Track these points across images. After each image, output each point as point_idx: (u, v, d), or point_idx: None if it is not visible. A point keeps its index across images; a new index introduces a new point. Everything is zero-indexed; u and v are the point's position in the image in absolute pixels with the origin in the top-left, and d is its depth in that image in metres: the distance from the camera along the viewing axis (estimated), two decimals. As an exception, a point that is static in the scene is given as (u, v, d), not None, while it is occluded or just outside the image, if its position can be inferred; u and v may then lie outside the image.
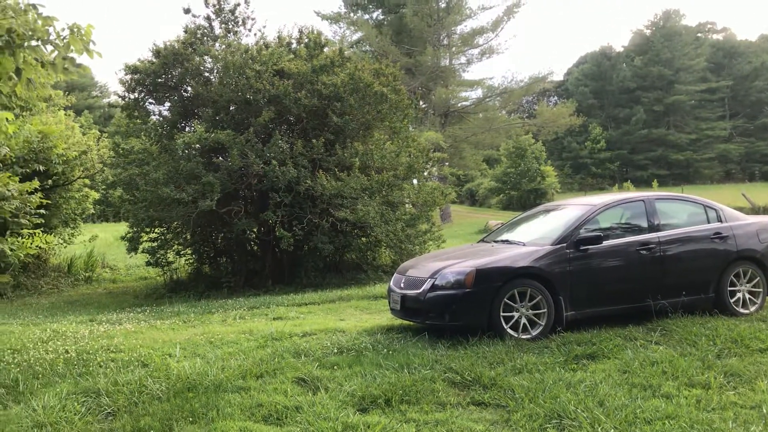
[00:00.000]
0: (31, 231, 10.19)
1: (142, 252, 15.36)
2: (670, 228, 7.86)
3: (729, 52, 79.74)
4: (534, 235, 7.91)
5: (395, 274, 8.11)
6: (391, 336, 7.38)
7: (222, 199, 13.93)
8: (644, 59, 78.20)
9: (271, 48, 15.65)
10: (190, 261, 16.31)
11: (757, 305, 7.93)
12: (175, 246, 15.63)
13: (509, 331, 6.88)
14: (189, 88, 15.77)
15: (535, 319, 7.02)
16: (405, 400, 5.26)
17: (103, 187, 20.58)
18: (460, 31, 42.93)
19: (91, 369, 6.37)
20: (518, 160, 50.42)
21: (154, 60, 15.44)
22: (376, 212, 13.78)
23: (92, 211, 20.59)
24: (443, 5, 41.37)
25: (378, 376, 5.78)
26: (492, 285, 6.91)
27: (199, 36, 15.80)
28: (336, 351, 6.75)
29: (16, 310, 13.07)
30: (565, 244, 7.26)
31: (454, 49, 42.84)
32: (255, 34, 21.26)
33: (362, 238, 15.32)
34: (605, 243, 7.42)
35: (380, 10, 45.96)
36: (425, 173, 17.97)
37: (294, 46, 16.42)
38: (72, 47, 5.64)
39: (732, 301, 7.84)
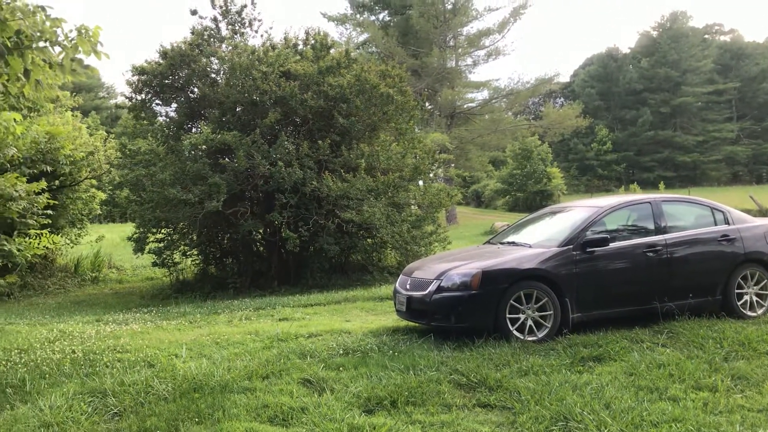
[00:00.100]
0: (38, 231, 10.22)
1: (149, 252, 15.39)
2: (677, 230, 7.83)
3: (736, 54, 79.44)
4: (540, 237, 7.89)
5: (401, 276, 8.10)
6: (396, 337, 7.37)
7: (228, 200, 13.95)
8: (651, 61, 78.02)
9: (278, 49, 15.69)
10: (197, 262, 16.34)
11: (764, 308, 7.89)
12: (182, 247, 15.67)
13: (515, 333, 6.86)
14: (196, 89, 15.82)
15: (541, 321, 7.00)
16: (411, 401, 5.25)
17: (110, 187, 20.66)
18: (467, 32, 42.95)
19: (97, 369, 6.39)
20: (524, 161, 50.33)
21: (161, 61, 15.49)
22: (381, 213, 13.78)
23: (99, 211, 20.65)
24: (449, 7, 41.35)
25: (384, 378, 5.78)
26: (498, 287, 6.89)
27: (205, 37, 15.85)
28: (342, 352, 6.74)
29: (23, 310, 13.12)
30: (571, 246, 7.24)
31: (460, 50, 42.81)
32: (261, 36, 21.28)
33: (368, 240, 15.32)
34: (612, 245, 7.40)
35: (386, 12, 45.98)
36: (431, 175, 17.99)
37: (300, 47, 16.45)
38: (80, 48, 5.67)
39: (739, 303, 7.80)
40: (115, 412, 5.26)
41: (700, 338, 6.69)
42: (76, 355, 7.05)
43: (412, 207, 15.98)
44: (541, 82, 41.80)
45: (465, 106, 43.64)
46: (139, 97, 16.04)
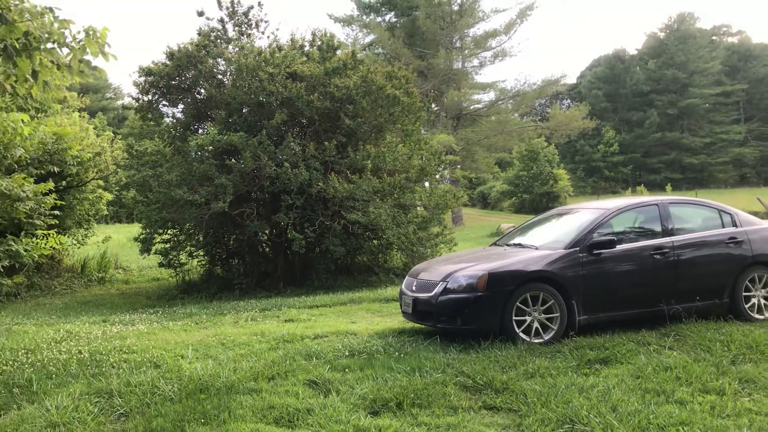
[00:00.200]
0: (45, 232, 10.26)
1: (155, 253, 15.42)
2: (684, 232, 7.82)
3: (744, 55, 79.13)
4: (547, 239, 7.88)
5: (407, 277, 8.10)
6: (402, 339, 7.37)
7: (234, 201, 13.98)
8: (658, 62, 77.81)
9: (284, 51, 15.71)
10: (203, 262, 16.36)
11: (772, 311, 7.86)
12: (188, 247, 15.69)
13: (521, 335, 6.85)
14: (202, 91, 15.86)
15: (548, 323, 6.99)
16: (416, 403, 5.25)
17: (117, 188, 20.70)
18: (473, 33, 42.92)
19: (103, 370, 6.41)
20: (531, 163, 50.25)
21: (168, 62, 15.54)
22: (387, 215, 13.78)
23: (105, 212, 20.70)
24: (456, 8, 41.32)
25: (389, 380, 5.78)
26: (504, 289, 6.88)
27: (212, 38, 15.88)
28: (347, 354, 6.74)
29: (30, 310, 13.16)
30: (578, 248, 7.23)
31: (466, 51, 42.78)
32: (268, 37, 21.26)
33: (374, 241, 15.32)
34: (619, 247, 7.38)
35: (393, 13, 45.99)
36: (437, 176, 17.99)
37: (307, 48, 16.47)
38: (87, 50, 5.69)
39: (747, 306, 7.77)
40: (122, 413, 5.27)
41: (707, 341, 6.66)
42: (82, 356, 7.07)
43: (418, 208, 15.97)
44: (548, 84, 41.73)
45: (471, 108, 43.60)
46: (146, 98, 16.09)
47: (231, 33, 16.29)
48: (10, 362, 6.85)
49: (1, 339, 8.36)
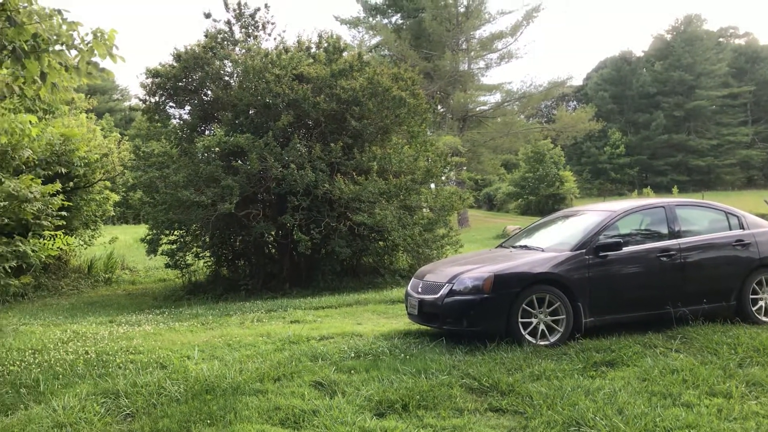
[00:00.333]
0: (52, 233, 10.30)
1: (162, 254, 15.46)
2: (690, 235, 7.79)
3: (751, 57, 78.83)
4: (553, 241, 7.87)
5: (413, 279, 8.10)
6: (408, 341, 7.37)
7: (241, 203, 14.01)
8: (665, 64, 77.56)
9: (291, 52, 15.75)
10: (209, 263, 16.40)
11: (780, 314, 7.82)
12: (194, 248, 15.72)
13: (527, 337, 6.84)
14: (209, 92, 15.90)
15: (554, 325, 6.98)
16: (422, 405, 5.25)
17: (124, 189, 20.79)
18: (479, 35, 42.91)
19: (110, 370, 6.43)
20: (537, 164, 50.13)
21: (175, 64, 15.59)
22: (393, 216, 13.78)
23: (112, 213, 20.75)
24: (462, 10, 41.32)
25: (395, 381, 5.78)
26: (510, 291, 6.88)
27: (219, 40, 15.92)
28: (353, 355, 6.75)
29: (37, 311, 13.21)
30: (584, 250, 7.22)
31: (472, 53, 42.76)
32: (275, 39, 21.42)
33: (379, 242, 15.32)
34: (625, 249, 7.36)
35: (399, 15, 46.03)
36: (443, 177, 17.99)
37: (313, 50, 16.50)
38: (96, 52, 5.71)
39: (754, 309, 7.75)
40: (128, 413, 5.29)
41: (714, 344, 6.64)
42: (89, 356, 7.10)
43: (424, 210, 15.96)
44: (554, 85, 41.67)
45: (477, 109, 43.57)
46: (152, 100, 16.14)
47: (238, 35, 16.34)
48: (18, 362, 6.88)
49: (8, 339, 8.40)
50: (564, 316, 6.96)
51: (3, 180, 9.43)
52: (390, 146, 15.44)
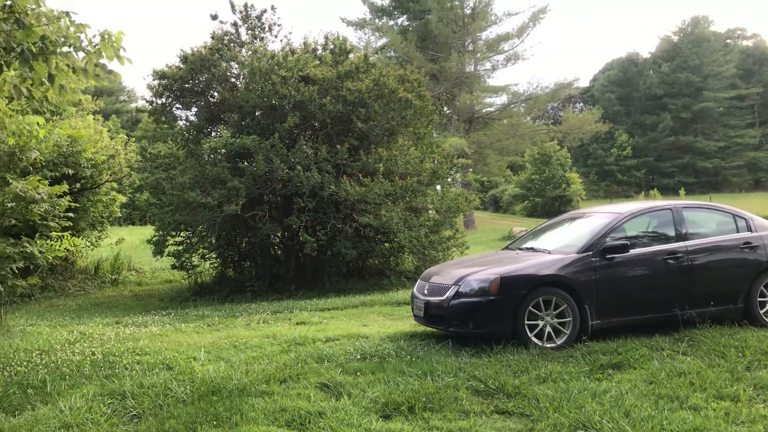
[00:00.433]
0: (59, 234, 10.31)
1: (168, 255, 15.50)
2: (698, 237, 7.76)
3: (759, 59, 78.47)
4: (559, 243, 7.85)
5: (419, 281, 8.10)
6: (414, 343, 7.36)
7: (247, 204, 14.03)
8: (672, 66, 77.29)
9: (297, 54, 15.77)
10: (215, 265, 16.43)
11: (788, 317, 7.78)
12: (200, 250, 15.76)
13: (534, 339, 6.83)
14: (215, 94, 15.94)
15: (560, 327, 6.96)
16: (428, 407, 5.24)
17: (130, 190, 20.85)
18: (485, 37, 42.87)
19: (116, 371, 6.44)
20: (543, 166, 50.06)
21: (182, 66, 15.63)
22: (399, 218, 13.78)
23: (119, 214, 20.82)
24: (468, 11, 41.31)
25: (401, 383, 5.77)
26: (517, 293, 6.86)
27: (225, 42, 15.96)
28: (359, 357, 6.74)
29: (43, 312, 13.26)
30: (591, 253, 7.20)
31: (479, 55, 42.74)
32: (281, 41, 21.44)
33: (385, 244, 15.33)
34: (632, 252, 7.34)
35: (405, 16, 46.05)
36: (449, 179, 17.97)
37: (319, 52, 16.52)
38: (103, 54, 5.73)
39: (762, 312, 7.70)
40: (134, 414, 5.30)
41: (721, 347, 6.61)
42: (95, 357, 7.11)
43: (430, 212, 15.96)
44: (561, 87, 41.63)
45: (483, 111, 43.56)
46: (159, 101, 16.19)
47: (244, 36, 16.37)
48: (25, 363, 6.90)
49: (15, 340, 8.42)
50: (570, 319, 6.94)
51: (10, 181, 9.45)
52: (396, 148, 15.45)
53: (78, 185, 16.62)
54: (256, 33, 16.47)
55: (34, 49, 5.39)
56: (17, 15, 5.27)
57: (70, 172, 15.43)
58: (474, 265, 7.74)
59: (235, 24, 16.29)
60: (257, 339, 7.96)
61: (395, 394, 5.44)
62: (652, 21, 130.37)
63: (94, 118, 18.65)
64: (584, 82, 77.91)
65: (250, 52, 15.97)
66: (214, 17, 16.36)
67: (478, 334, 6.99)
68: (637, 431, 4.61)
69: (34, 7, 5.41)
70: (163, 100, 16.18)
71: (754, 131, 75.39)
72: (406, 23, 45.80)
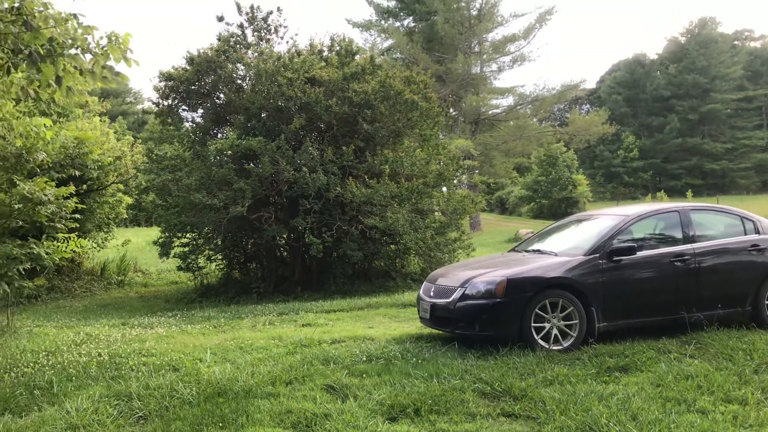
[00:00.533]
0: (66, 235, 10.34)
1: (174, 257, 15.52)
2: (705, 239, 7.73)
3: (767, 60, 78.21)
4: (566, 245, 7.82)
5: (425, 283, 8.08)
6: (420, 345, 7.35)
7: (253, 206, 14.04)
8: (679, 67, 77.10)
9: (303, 56, 15.78)
10: (221, 266, 16.44)
11: (796, 320, 7.73)
12: (206, 251, 15.77)
13: (540, 341, 6.81)
14: (221, 95, 15.96)
15: (567, 330, 6.94)
16: (434, 409, 5.23)
17: (136, 192, 20.84)
18: (492, 38, 42.80)
19: (123, 372, 6.45)
20: (549, 168, 49.97)
21: (188, 67, 15.66)
22: (405, 220, 13.77)
23: (125, 215, 20.86)
24: (474, 13, 41.26)
25: (407, 385, 5.76)
26: (523, 295, 6.85)
27: (232, 44, 15.98)
28: (365, 359, 6.74)
29: (50, 313, 13.31)
30: (597, 255, 7.18)
31: (485, 56, 42.69)
32: (287, 42, 21.42)
33: (391, 246, 15.31)
34: (639, 254, 7.32)
35: (411, 18, 46.03)
36: (455, 181, 17.92)
37: (325, 53, 16.52)
38: (111, 56, 5.75)
39: (770, 315, 7.66)
40: (140, 416, 5.31)
41: (729, 350, 6.58)
42: (102, 358, 7.13)
43: (436, 213, 15.93)
44: (567, 89, 41.53)
45: (490, 112, 43.50)
46: (165, 103, 16.22)
47: (250, 38, 16.40)
48: (31, 364, 6.92)
49: (22, 341, 8.46)
50: (577, 321, 6.92)
51: (18, 183, 9.50)
52: (402, 149, 15.44)
53: (84, 187, 16.67)
54: (262, 35, 16.49)
55: (41, 51, 5.41)
56: (25, 17, 5.29)
57: (77, 173, 15.46)
58: (480, 267, 7.73)
59: (241, 26, 16.33)
60: (263, 341, 7.97)
61: (401, 397, 5.43)
62: (659, 22, 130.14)
63: (100, 120, 18.71)
64: (591, 84, 77.88)
65: (256, 54, 15.99)
66: (221, 19, 16.40)
67: (484, 337, 6.98)
68: (645, 434, 4.59)
69: (41, 9, 5.44)
70: (170, 101, 16.21)
71: (762, 133, 75.13)
72: (412, 25, 45.79)
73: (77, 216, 13.07)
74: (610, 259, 7.16)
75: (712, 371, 5.95)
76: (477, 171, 40.18)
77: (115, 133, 19.96)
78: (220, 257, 16.17)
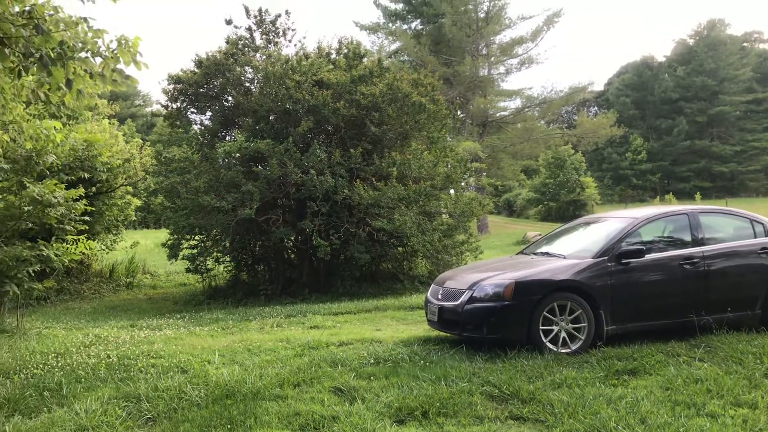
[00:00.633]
0: (75, 237, 10.40)
1: (182, 259, 15.58)
2: (714, 242, 7.69)
3: (776, 62, 77.83)
4: (574, 248, 7.80)
5: (432, 285, 8.07)
6: (428, 347, 7.35)
7: (261, 208, 14.08)
8: (687, 69, 76.80)
9: (311, 58, 15.83)
10: (229, 268, 16.49)
11: (806, 323, 7.69)
12: (215, 253, 15.83)
13: (548, 344, 6.78)
14: (230, 98, 16.02)
15: (575, 333, 6.91)
16: (442, 412, 5.22)
17: (145, 194, 20.94)
18: (499, 41, 42.76)
19: (131, 374, 6.48)
20: (557, 170, 49.86)
21: (197, 70, 15.73)
22: (413, 222, 13.77)
23: (134, 218, 20.94)
24: (482, 15, 41.25)
25: (415, 388, 5.76)
26: (531, 298, 6.83)
27: (240, 47, 16.05)
28: (373, 361, 6.73)
29: (59, 314, 13.37)
30: (606, 258, 7.15)
31: (492, 58, 42.65)
32: (295, 45, 21.59)
33: (399, 248, 15.32)
34: (647, 257, 7.28)
35: (419, 21, 46.07)
36: (463, 183, 17.93)
37: (333, 56, 16.57)
38: (120, 59, 5.78)
39: (780, 318, 7.62)
40: (149, 418, 5.32)
41: (738, 353, 6.54)
42: (111, 360, 7.16)
43: (444, 216, 15.94)
44: (575, 91, 41.42)
45: (497, 115, 43.45)
46: (174, 106, 16.30)
47: (258, 41, 16.46)
48: (41, 365, 6.95)
49: (31, 342, 8.50)
50: (585, 324, 6.89)
51: (28, 185, 9.56)
52: (409, 152, 15.45)
53: (93, 189, 16.74)
54: (271, 37, 16.56)
55: (52, 55, 5.45)
56: (36, 21, 5.33)
57: (86, 175, 15.54)
58: (488, 269, 7.72)
59: (249, 29, 16.39)
60: (271, 343, 7.98)
61: (409, 399, 5.43)
62: (667, 24, 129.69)
63: (109, 122, 18.79)
64: (599, 86, 77.82)
65: (264, 57, 16.05)
66: (229, 22, 16.46)
67: (492, 339, 6.96)
68: (654, 438, 4.57)
69: (52, 13, 5.47)
70: (178, 104, 16.30)
71: (771, 135, 74.65)
72: (420, 27, 45.82)
73: (86, 218, 13.14)
74: (618, 261, 7.14)
75: (722, 375, 5.91)
76: (485, 173, 40.14)
77: (124, 135, 20.04)
78: (228, 259, 16.22)
